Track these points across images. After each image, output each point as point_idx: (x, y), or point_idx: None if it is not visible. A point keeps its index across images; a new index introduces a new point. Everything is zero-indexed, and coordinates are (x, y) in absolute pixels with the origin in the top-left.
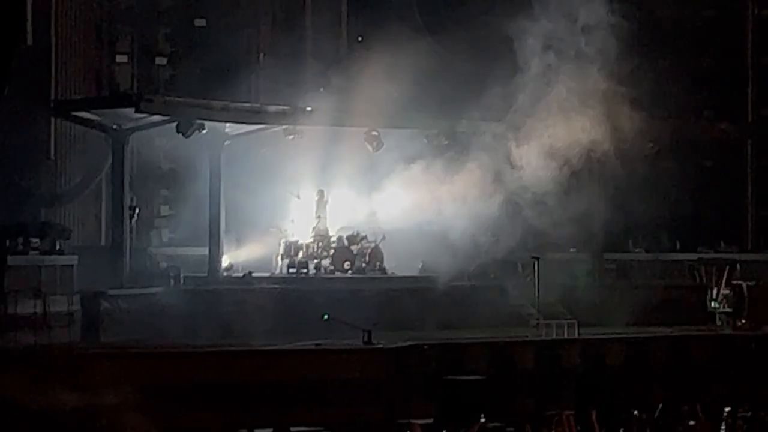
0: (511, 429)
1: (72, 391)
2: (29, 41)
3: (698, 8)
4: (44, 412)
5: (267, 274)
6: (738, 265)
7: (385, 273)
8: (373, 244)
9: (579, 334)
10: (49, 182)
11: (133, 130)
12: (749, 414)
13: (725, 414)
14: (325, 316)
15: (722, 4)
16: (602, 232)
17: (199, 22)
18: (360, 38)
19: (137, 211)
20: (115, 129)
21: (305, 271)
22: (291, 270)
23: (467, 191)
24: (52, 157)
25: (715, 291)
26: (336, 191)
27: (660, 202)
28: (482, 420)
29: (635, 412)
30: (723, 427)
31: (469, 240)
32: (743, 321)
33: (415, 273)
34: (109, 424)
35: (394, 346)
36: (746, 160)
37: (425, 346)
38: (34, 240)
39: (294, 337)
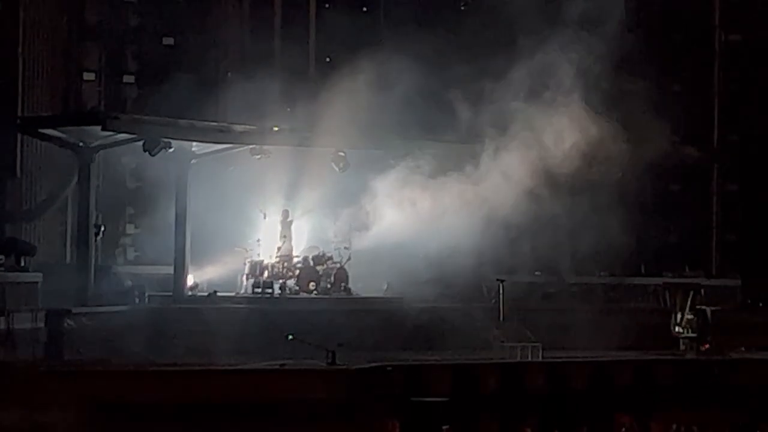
0: None
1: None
2: None
3: (667, 33)
4: None
5: (232, 294)
6: (702, 290)
7: (350, 294)
8: (338, 265)
9: (542, 357)
10: (15, 199)
11: (99, 148)
12: None
13: None
14: (290, 337)
15: (690, 30)
16: (567, 256)
17: (167, 41)
18: (328, 59)
19: (103, 229)
20: (82, 147)
21: (270, 291)
22: (256, 290)
23: (432, 213)
24: (18, 174)
25: (679, 315)
26: (301, 211)
27: (625, 225)
28: None
29: None
30: None
31: (434, 262)
32: (707, 346)
33: (380, 294)
34: None
35: (358, 367)
36: (711, 185)
37: (389, 368)
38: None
39: (258, 357)
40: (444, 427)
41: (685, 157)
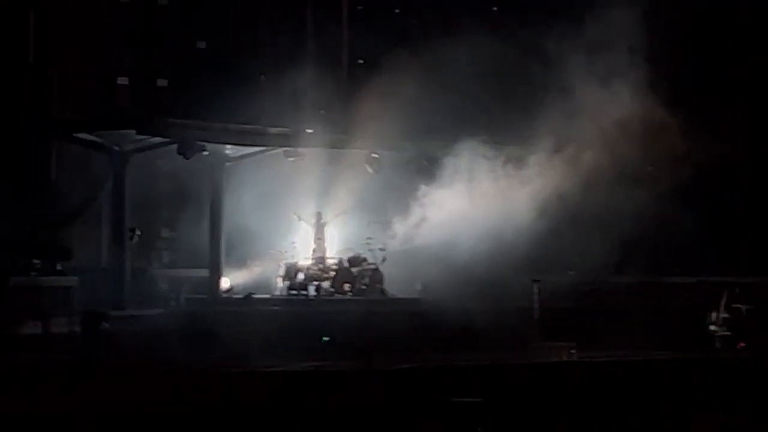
0: None
1: None
2: (30, 60)
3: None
4: None
5: (267, 296)
6: (737, 289)
7: (386, 295)
8: (373, 266)
9: (578, 357)
10: (50, 204)
11: (134, 151)
12: None
13: None
14: (325, 338)
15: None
16: (603, 255)
17: (200, 44)
18: (361, 61)
19: (138, 233)
20: (116, 150)
21: (305, 293)
22: (291, 292)
23: (468, 214)
24: (53, 179)
25: (714, 314)
26: (336, 213)
27: (660, 224)
28: None
29: None
30: None
31: (469, 262)
32: (742, 344)
33: (415, 295)
34: None
35: (393, 368)
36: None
37: (425, 369)
38: (35, 261)
39: (294, 359)
40: (479, 429)
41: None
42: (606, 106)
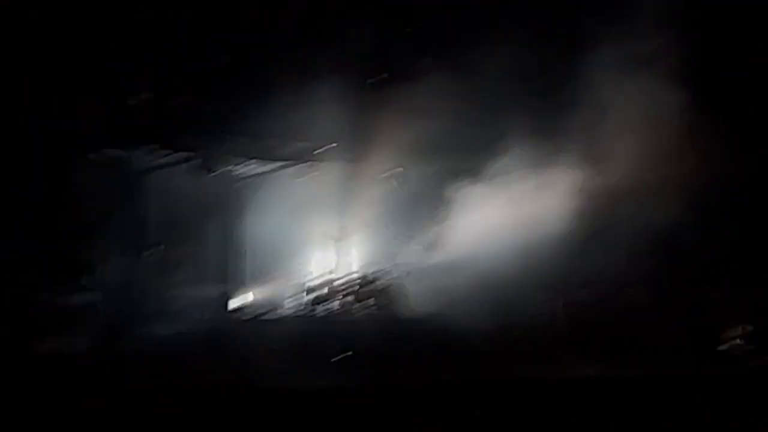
0: None
1: None
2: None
3: None
4: None
5: (290, 312)
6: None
7: (408, 310)
8: (397, 281)
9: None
10: (70, 219)
11: (155, 167)
12: None
13: None
14: (347, 353)
15: None
16: (630, 268)
17: (222, 59)
18: (385, 74)
19: (160, 248)
20: (137, 166)
21: (328, 308)
22: (314, 307)
23: (494, 228)
24: (73, 194)
25: (739, 329)
26: (360, 227)
27: (689, 237)
28: None
29: None
30: None
31: (495, 277)
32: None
33: (439, 310)
34: None
35: (415, 385)
36: None
37: (448, 385)
38: (57, 277)
39: (316, 375)
40: None
41: None
42: (636, 114)
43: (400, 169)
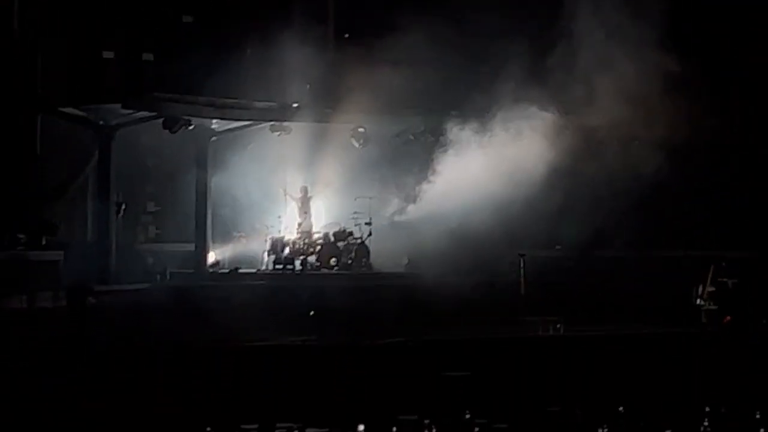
0: (501, 425)
1: None
2: (15, 34)
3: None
4: None
5: (253, 271)
6: (724, 263)
7: (372, 269)
8: (359, 241)
9: (564, 331)
10: (35, 179)
11: (119, 126)
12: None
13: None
14: (311, 313)
15: None
16: (590, 230)
17: (187, 18)
18: (347, 35)
19: (123, 207)
20: (101, 125)
21: (291, 267)
22: (277, 266)
23: (452, 188)
24: (38, 154)
25: (701, 288)
26: (322, 187)
27: (648, 197)
28: (467, 416)
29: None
30: None
31: (456, 236)
32: (728, 319)
33: (401, 269)
34: None
35: (380, 343)
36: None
37: (411, 343)
38: (20, 236)
39: (280, 334)
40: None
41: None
42: (604, 72)
43: (362, 129)
